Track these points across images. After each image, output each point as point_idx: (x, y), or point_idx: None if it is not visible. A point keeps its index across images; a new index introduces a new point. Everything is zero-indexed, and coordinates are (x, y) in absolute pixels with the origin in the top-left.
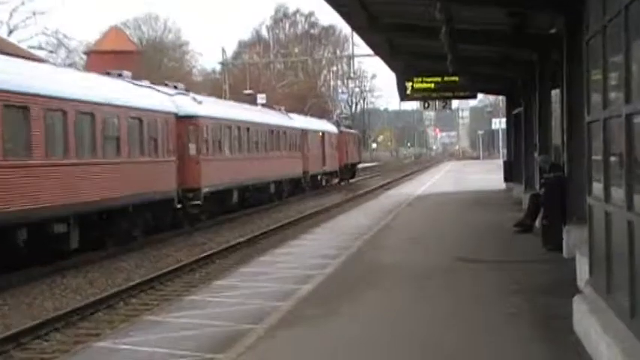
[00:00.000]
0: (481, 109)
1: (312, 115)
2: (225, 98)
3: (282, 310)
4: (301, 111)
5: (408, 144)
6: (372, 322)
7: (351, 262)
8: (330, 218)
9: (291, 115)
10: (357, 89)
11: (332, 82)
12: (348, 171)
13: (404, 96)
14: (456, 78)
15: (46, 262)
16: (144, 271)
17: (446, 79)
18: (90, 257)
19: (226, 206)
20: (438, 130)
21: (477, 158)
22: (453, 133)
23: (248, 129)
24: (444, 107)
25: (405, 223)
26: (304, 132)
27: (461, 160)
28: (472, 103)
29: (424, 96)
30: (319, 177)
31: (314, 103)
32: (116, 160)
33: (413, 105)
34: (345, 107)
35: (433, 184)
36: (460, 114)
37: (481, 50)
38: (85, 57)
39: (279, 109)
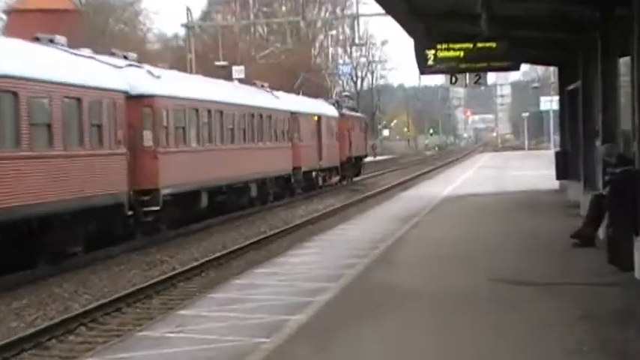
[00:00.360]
0: (525, 85)
1: (304, 94)
2: (191, 72)
3: (266, 349)
4: (291, 88)
5: (430, 131)
6: None
7: (355, 286)
8: (328, 228)
9: (278, 93)
10: (363, 59)
11: (330, 51)
12: (352, 166)
13: (424, 68)
14: (492, 44)
15: None
16: (85, 299)
17: (479, 45)
18: (15, 280)
19: (193, 213)
20: (469, 112)
21: (521, 148)
22: (489, 117)
23: (221, 112)
24: (476, 83)
25: (426, 235)
26: (294, 116)
27: (499, 151)
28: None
29: (451, 67)
30: (314, 174)
31: (307, 79)
32: (46, 153)
33: (436, 80)
34: (347, 83)
35: (463, 184)
36: (498, 91)
37: (526, 7)
38: (4, 17)
39: (262, 86)
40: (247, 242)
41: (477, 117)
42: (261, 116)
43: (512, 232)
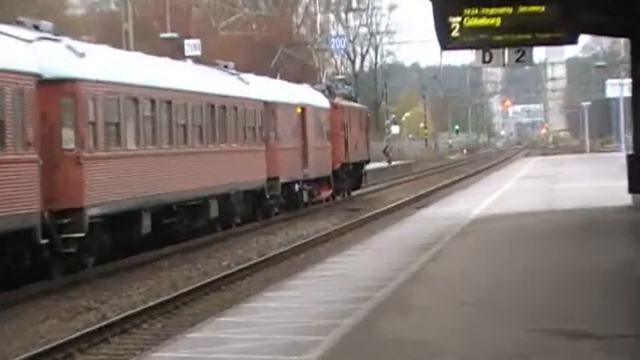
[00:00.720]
0: (586, 64)
1: (284, 78)
2: (128, 47)
3: None
4: (265, 70)
5: (456, 127)
6: None
7: (352, 341)
8: (317, 262)
9: (247, 77)
10: (363, 30)
11: (319, 19)
12: (350, 176)
13: (447, 42)
14: (539, 7)
15: None
16: None
17: (522, 10)
18: None
19: (131, 241)
20: (508, 101)
21: (581, 151)
22: (536, 107)
23: (169, 103)
24: (518, 61)
25: (450, 270)
26: (270, 107)
27: (550, 154)
28: (570, 52)
29: (483, 41)
30: (297, 187)
31: (287, 56)
32: None
33: (463, 58)
34: (342, 63)
35: (501, 199)
36: (549, 73)
37: None
38: None
39: (226, 67)
40: (206, 281)
41: (519, 108)
42: (224, 108)
43: (566, 264)
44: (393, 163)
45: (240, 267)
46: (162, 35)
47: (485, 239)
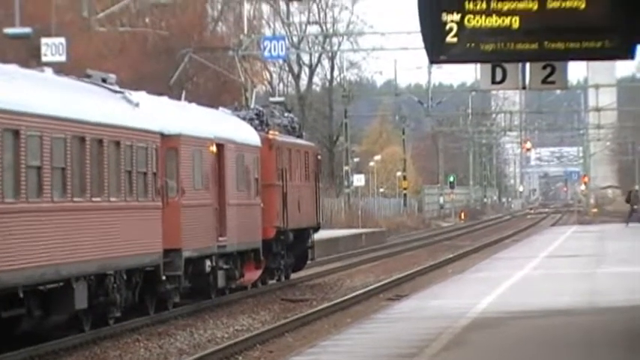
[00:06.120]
0: None
1: (193, 99)
2: None
3: None
4: (164, 86)
5: (451, 179)
6: None
7: None
8: None
9: (136, 96)
10: (313, 29)
11: (245, 10)
12: (289, 249)
13: (439, 50)
14: (579, 1)
15: None
16: None
17: (553, 4)
18: None
19: None
20: (529, 143)
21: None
22: (570, 151)
23: (16, 133)
24: (545, 82)
25: None
26: (170, 142)
27: (591, 223)
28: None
29: (493, 52)
30: (209, 265)
31: (198, 66)
32: None
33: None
34: (281, 78)
35: (515, 290)
36: (591, 100)
37: None
38: None
39: (104, 81)
40: None
41: (545, 151)
42: (99, 143)
43: None
44: (355, 230)
45: None
46: (8, 31)
47: (493, 355)
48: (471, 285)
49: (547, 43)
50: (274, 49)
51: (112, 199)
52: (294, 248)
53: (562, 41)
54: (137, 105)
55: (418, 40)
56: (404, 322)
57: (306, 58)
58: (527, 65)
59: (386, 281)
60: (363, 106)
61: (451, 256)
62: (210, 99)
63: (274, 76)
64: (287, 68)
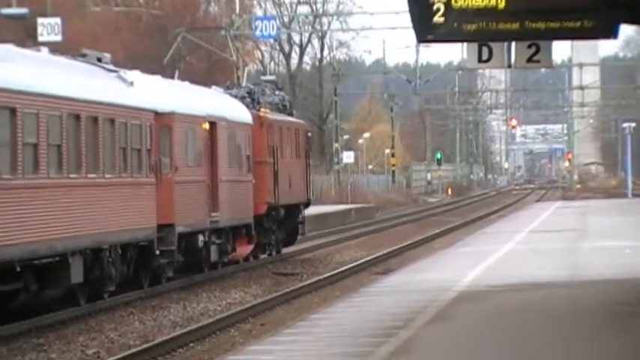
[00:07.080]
0: (630, 67)
1: (186, 78)
2: None
3: None
4: (158, 65)
5: (438, 156)
6: None
7: None
8: (227, 353)
9: (130, 75)
10: (303, 9)
11: None
12: (280, 225)
13: (427, 29)
14: None
15: None
16: None
17: None
18: None
19: None
20: (514, 120)
21: (619, 194)
22: (555, 128)
23: (13, 111)
24: (530, 61)
25: None
26: (164, 119)
27: (575, 198)
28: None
29: (480, 31)
30: (202, 240)
31: (191, 46)
32: None
33: (451, 54)
34: (272, 57)
35: (501, 263)
36: (575, 78)
37: None
38: None
39: (99, 60)
40: None
41: (530, 129)
42: (94, 120)
43: None
44: (347, 206)
45: (113, 359)
46: (5, 11)
47: (477, 326)
48: (458, 259)
49: (528, 22)
50: (265, 29)
51: (107, 175)
52: (285, 224)
53: (543, 21)
54: (131, 84)
55: (406, 20)
56: (392, 296)
57: (296, 37)
58: (513, 44)
59: (374, 256)
60: (352, 84)
61: (438, 231)
62: (203, 78)
63: (265, 55)
64: (278, 47)
